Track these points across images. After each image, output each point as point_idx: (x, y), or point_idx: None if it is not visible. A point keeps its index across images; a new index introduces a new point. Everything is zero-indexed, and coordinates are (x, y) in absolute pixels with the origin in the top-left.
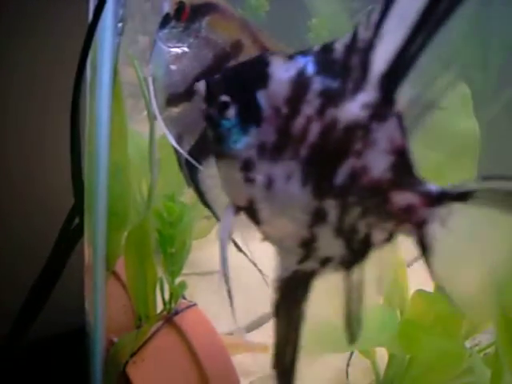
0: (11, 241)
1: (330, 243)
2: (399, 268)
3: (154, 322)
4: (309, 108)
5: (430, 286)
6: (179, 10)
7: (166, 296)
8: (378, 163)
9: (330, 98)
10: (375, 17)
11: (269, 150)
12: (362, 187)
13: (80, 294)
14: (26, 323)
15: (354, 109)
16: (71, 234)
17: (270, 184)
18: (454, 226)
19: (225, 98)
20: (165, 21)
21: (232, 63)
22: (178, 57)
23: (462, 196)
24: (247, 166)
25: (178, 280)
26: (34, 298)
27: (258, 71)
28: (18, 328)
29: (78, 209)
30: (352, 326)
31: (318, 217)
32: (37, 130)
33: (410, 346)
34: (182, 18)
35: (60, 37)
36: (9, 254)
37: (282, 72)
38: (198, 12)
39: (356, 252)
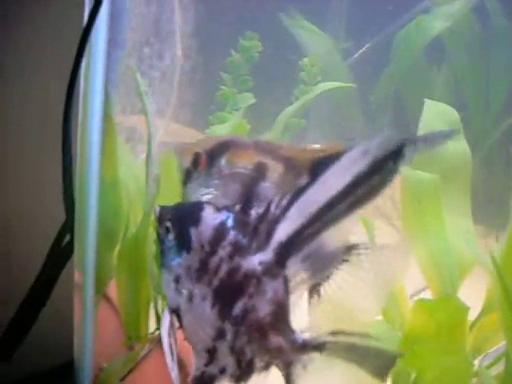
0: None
1: (225, 357)
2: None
3: (146, 343)
4: (222, 251)
5: None
6: (196, 160)
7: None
8: (262, 307)
9: (239, 249)
10: (285, 201)
11: (193, 273)
12: (250, 321)
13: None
14: (14, 343)
15: (253, 262)
16: (61, 251)
17: (190, 299)
18: (312, 371)
19: (168, 224)
20: (187, 176)
21: (262, 185)
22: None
23: (318, 347)
24: (177, 280)
25: None
26: (22, 318)
27: (194, 213)
28: (5, 348)
29: (68, 226)
30: None
31: (220, 334)
32: (30, 145)
33: (414, 363)
34: (201, 167)
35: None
36: None
37: (210, 219)
38: (214, 156)
39: (243, 371)
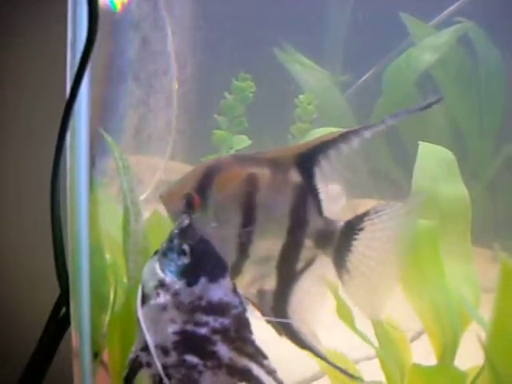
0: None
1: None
2: (401, 343)
3: None
4: (213, 322)
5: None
6: (189, 202)
7: None
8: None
9: (223, 334)
10: None
11: (179, 300)
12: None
13: None
14: None
15: (225, 353)
16: (58, 323)
17: (164, 308)
18: None
19: (186, 248)
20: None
21: (258, 194)
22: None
23: None
24: (161, 284)
25: None
26: None
27: (215, 269)
28: None
29: (64, 298)
30: None
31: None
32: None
33: None
34: (196, 207)
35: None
36: None
37: (223, 292)
38: (205, 190)
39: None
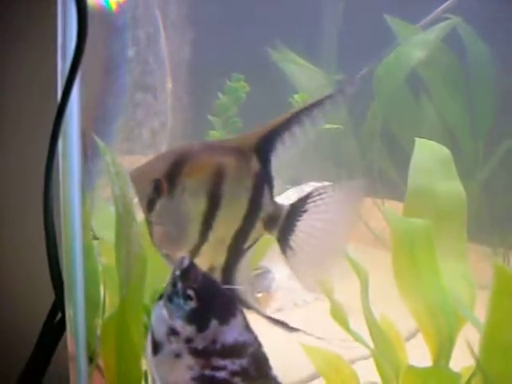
0: None
1: None
2: (397, 344)
3: None
4: (230, 365)
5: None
6: (157, 187)
7: None
8: None
9: (243, 376)
10: None
11: (191, 347)
12: None
13: None
14: None
15: None
16: (54, 328)
17: (177, 356)
18: None
19: (191, 293)
20: (150, 203)
21: (224, 183)
22: None
23: None
24: (172, 331)
25: None
26: None
27: (225, 310)
28: None
29: (59, 303)
30: None
31: None
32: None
33: None
34: (163, 193)
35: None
36: None
37: (237, 332)
38: (174, 177)
39: None
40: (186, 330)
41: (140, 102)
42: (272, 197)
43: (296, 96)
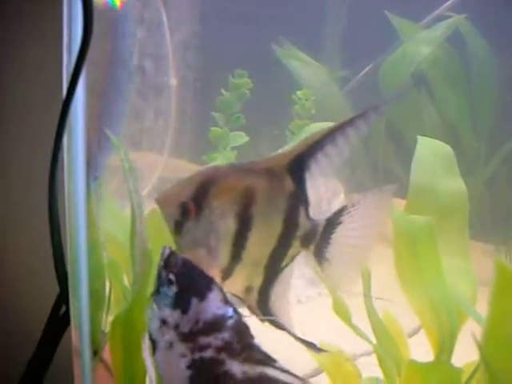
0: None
1: None
2: (399, 339)
3: None
4: (214, 340)
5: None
6: (185, 211)
7: None
8: None
9: (228, 349)
10: None
11: (179, 332)
12: None
13: None
14: None
15: (236, 369)
16: (58, 322)
17: (170, 345)
18: None
19: (172, 277)
20: (177, 227)
21: (255, 205)
22: None
23: None
24: (163, 322)
25: None
26: None
27: (202, 287)
28: None
29: (63, 297)
30: None
31: None
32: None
33: None
34: (191, 216)
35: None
36: None
37: (214, 306)
38: (201, 199)
39: None
40: (173, 316)
41: (143, 97)
42: (308, 215)
43: (299, 92)
